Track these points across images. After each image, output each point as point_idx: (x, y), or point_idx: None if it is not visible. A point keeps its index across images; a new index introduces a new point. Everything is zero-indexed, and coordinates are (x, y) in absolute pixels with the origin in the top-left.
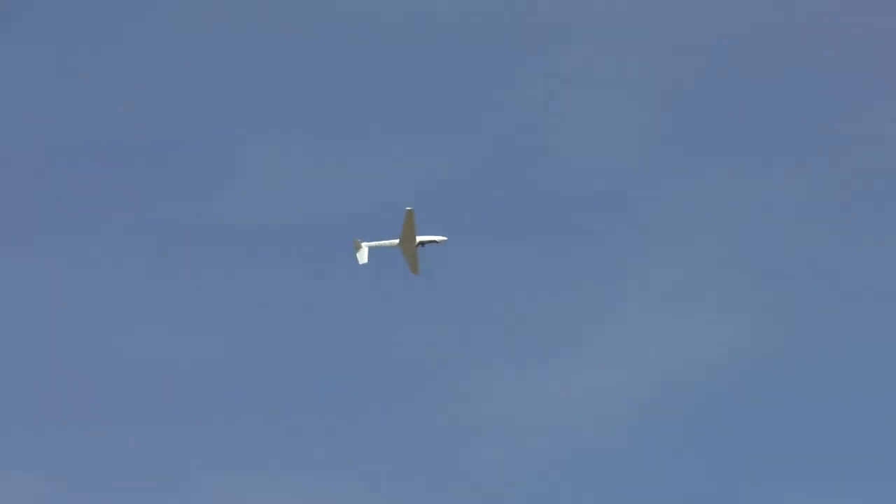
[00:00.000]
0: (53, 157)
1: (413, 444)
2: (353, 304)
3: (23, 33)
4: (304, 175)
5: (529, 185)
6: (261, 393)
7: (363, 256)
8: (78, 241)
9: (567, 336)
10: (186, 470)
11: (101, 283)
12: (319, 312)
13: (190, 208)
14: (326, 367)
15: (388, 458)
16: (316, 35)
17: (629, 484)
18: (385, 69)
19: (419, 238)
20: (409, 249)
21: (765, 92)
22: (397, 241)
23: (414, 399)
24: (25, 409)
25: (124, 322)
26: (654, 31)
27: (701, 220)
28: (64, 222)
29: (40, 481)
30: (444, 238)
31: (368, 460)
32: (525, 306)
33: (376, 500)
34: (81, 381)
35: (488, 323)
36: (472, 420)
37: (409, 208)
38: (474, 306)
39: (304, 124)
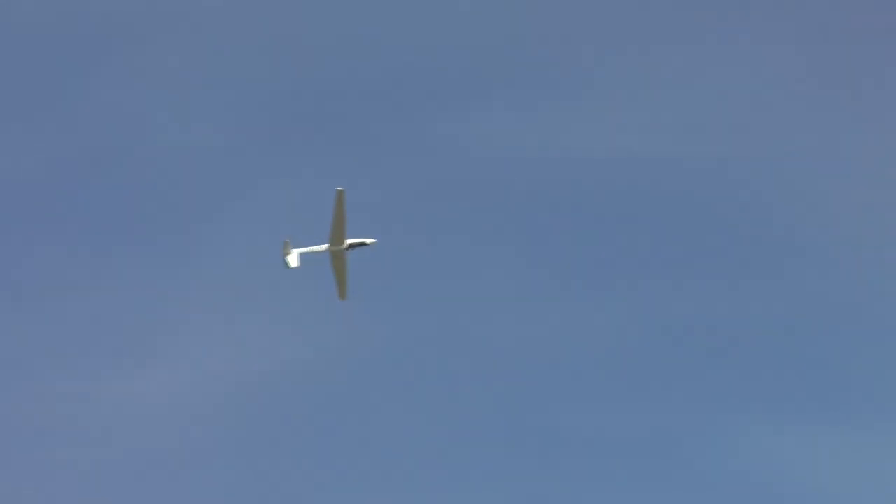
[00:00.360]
0: None
1: None
2: None
3: None
4: None
5: (112, 187)
6: None
7: (293, 261)
8: None
9: (140, 338)
10: None
11: None
12: None
13: None
14: None
15: None
16: None
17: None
18: None
19: (348, 241)
20: (338, 249)
21: (352, 94)
22: (326, 246)
23: None
24: None
25: None
26: (250, 33)
27: (286, 222)
28: None
29: None
30: (374, 240)
31: None
32: (97, 308)
33: None
34: None
35: (58, 325)
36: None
37: (339, 189)
38: (48, 307)
39: None
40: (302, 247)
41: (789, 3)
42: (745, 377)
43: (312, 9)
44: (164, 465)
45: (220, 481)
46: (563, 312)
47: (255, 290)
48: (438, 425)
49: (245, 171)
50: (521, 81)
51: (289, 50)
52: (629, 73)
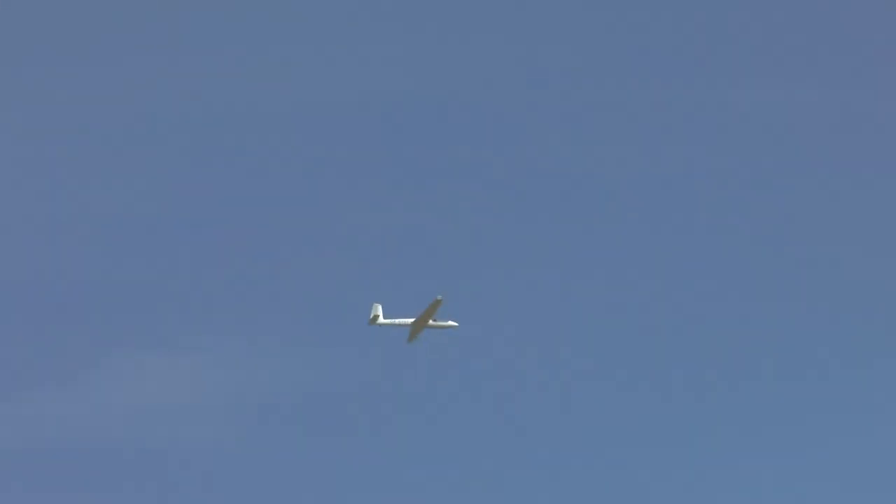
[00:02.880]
0: None
1: None
2: None
3: None
4: None
5: None
6: None
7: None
8: None
9: None
10: None
11: None
12: None
13: None
14: None
15: None
16: None
17: None
18: None
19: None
20: (419, 328)
21: None
22: (412, 320)
23: None
24: None
25: None
26: None
27: None
28: None
29: None
30: (456, 324)
31: None
32: None
33: None
34: None
35: None
36: None
37: (439, 297)
38: None
39: None
40: (389, 317)
41: None
42: None
43: None
44: None
45: None
46: None
47: None
48: None
49: None
50: None
51: None
52: None
